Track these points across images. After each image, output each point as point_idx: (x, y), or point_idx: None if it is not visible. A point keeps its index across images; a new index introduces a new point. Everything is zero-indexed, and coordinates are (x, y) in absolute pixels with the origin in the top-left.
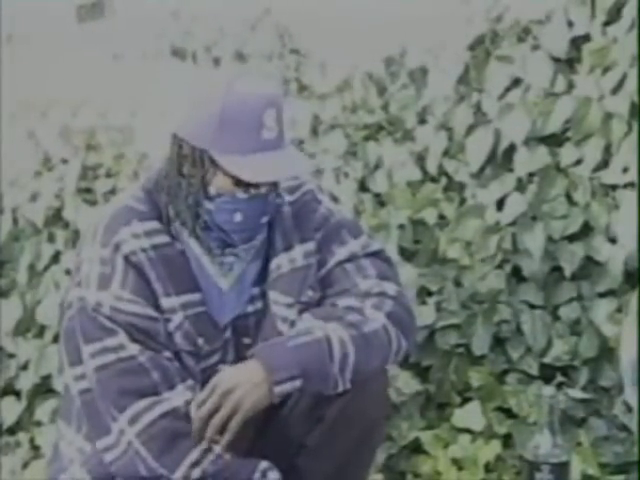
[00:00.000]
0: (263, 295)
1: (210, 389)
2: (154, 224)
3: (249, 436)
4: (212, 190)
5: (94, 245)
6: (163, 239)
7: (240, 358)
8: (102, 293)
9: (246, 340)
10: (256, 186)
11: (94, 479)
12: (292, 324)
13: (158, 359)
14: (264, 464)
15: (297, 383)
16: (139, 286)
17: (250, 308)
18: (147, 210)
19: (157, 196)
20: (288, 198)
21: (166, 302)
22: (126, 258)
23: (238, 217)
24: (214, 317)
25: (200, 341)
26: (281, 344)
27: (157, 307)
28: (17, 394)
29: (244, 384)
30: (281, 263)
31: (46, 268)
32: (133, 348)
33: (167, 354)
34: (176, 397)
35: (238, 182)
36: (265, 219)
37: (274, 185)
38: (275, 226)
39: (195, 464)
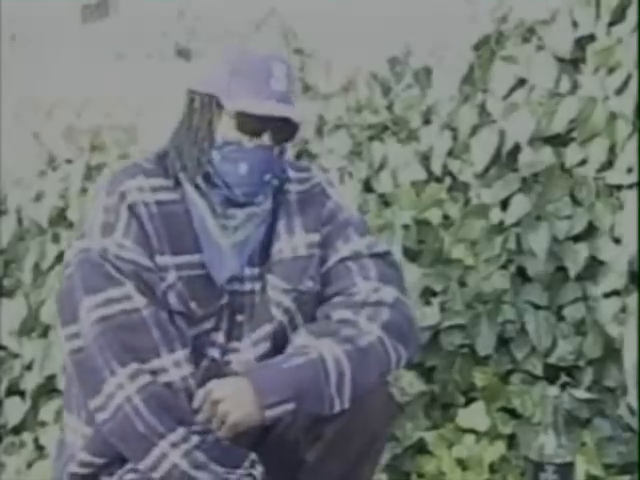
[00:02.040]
0: (263, 277)
1: (203, 396)
2: (160, 181)
3: (250, 449)
4: (218, 138)
5: (99, 196)
6: (169, 196)
7: (232, 335)
8: (106, 240)
9: (239, 317)
10: (260, 135)
11: (95, 458)
12: (286, 311)
13: (159, 317)
14: (253, 456)
15: (290, 406)
16: (140, 237)
17: (248, 287)
18: (154, 168)
19: (167, 156)
20: (296, 188)
21: (160, 259)
22: (130, 208)
23: (242, 168)
24: (213, 275)
25: (193, 304)
26: (274, 366)
27: (153, 262)
28: (21, 394)
29: (230, 399)
30: (283, 248)
31: (51, 268)
32: (138, 300)
33: (165, 315)
34: (174, 370)
35: (242, 127)
36: (268, 177)
37: (279, 139)
38: (280, 210)
39: (195, 432)
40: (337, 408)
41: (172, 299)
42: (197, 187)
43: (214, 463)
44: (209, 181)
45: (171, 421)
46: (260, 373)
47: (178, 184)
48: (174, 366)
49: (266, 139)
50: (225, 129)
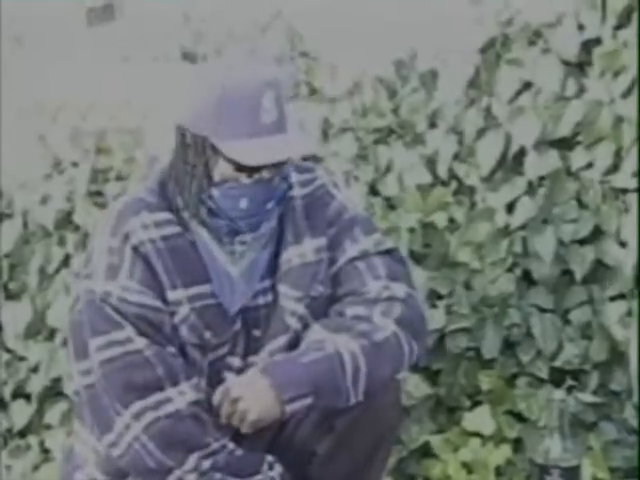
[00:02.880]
0: (274, 288)
1: (221, 394)
2: (164, 215)
3: (264, 443)
4: (216, 176)
5: (104, 235)
6: (173, 230)
7: (250, 350)
8: (110, 283)
9: (256, 332)
10: (258, 171)
11: (108, 478)
12: (300, 318)
13: (163, 354)
14: (270, 457)
15: (308, 401)
16: (146, 277)
17: (261, 300)
18: (157, 201)
19: (168, 187)
20: (300, 191)
21: (172, 295)
22: (135, 249)
23: (243, 203)
24: (224, 305)
25: (207, 334)
26: (292, 361)
27: (163, 299)
28: (27, 397)
29: (249, 396)
30: (291, 257)
31: (56, 271)
32: (140, 342)
33: (172, 349)
34: (179, 398)
35: (240, 168)
36: (271, 205)
37: (278, 170)
38: (286, 219)
39: (205, 457)
40: (352, 401)
41: (184, 332)
42: (200, 220)
43: (231, 477)
44: (212, 214)
45: (181, 454)
46: (278, 368)
47: (180, 216)
48: (179, 394)
49: (265, 173)
50: (222, 169)
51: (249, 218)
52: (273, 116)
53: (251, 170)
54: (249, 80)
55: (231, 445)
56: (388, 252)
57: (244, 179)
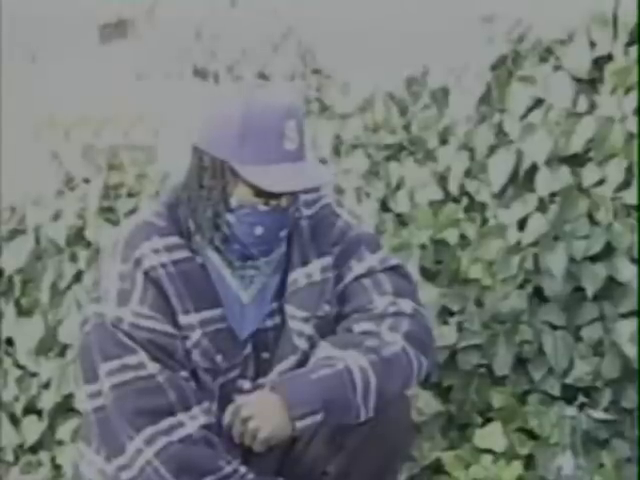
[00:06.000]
0: (281, 310)
1: (232, 413)
2: (174, 239)
3: (274, 463)
4: (233, 202)
5: (114, 260)
6: (183, 254)
7: (259, 373)
8: (121, 309)
9: (265, 355)
10: (277, 198)
11: None
12: (308, 339)
13: (175, 379)
14: None
15: (318, 417)
16: (158, 302)
17: (269, 323)
18: (167, 225)
19: (178, 210)
20: (306, 212)
21: (184, 319)
22: (146, 274)
23: (259, 230)
24: (234, 330)
25: (219, 358)
26: (302, 377)
27: (175, 324)
28: (39, 413)
29: (259, 415)
30: (298, 278)
31: (68, 287)
32: (152, 367)
33: (184, 374)
34: (190, 422)
35: (259, 193)
36: (284, 233)
37: (294, 199)
38: (293, 240)
39: (222, 479)
40: (363, 417)
41: (196, 357)
42: (213, 245)
43: None
44: (226, 240)
45: (193, 479)
46: (288, 385)
47: (191, 240)
48: (190, 419)
49: (283, 201)
50: (241, 194)
51: (262, 245)
52: (294, 144)
53: (269, 197)
54: (272, 106)
55: (243, 469)
56: (394, 269)
57: (261, 206)
